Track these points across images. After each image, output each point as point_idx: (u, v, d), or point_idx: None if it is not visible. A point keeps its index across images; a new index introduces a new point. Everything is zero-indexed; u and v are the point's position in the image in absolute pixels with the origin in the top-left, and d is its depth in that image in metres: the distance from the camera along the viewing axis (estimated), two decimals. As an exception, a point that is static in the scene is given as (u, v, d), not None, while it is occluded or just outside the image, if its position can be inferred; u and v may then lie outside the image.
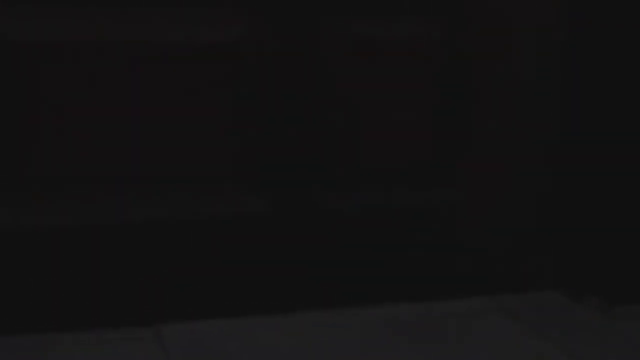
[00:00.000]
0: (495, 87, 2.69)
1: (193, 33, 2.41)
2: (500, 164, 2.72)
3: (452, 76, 2.67)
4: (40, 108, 2.31)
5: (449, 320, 2.53)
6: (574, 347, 2.36)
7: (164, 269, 2.46)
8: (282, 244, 2.56)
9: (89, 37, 2.32)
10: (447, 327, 2.48)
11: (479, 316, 2.57)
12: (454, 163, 2.70)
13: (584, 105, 2.69)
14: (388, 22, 2.59)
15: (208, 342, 2.34)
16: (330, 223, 2.60)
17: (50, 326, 2.38)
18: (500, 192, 2.73)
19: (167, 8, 2.38)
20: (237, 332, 2.42)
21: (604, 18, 2.60)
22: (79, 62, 2.31)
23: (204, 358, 2.23)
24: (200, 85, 2.45)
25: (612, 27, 2.59)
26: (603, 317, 2.60)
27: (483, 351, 2.31)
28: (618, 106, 2.63)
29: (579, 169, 2.72)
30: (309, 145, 2.55)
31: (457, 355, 2.28)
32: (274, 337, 2.39)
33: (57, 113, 2.33)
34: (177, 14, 2.39)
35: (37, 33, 2.28)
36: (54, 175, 2.35)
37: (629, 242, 2.68)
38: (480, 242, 2.73)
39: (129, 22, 2.35)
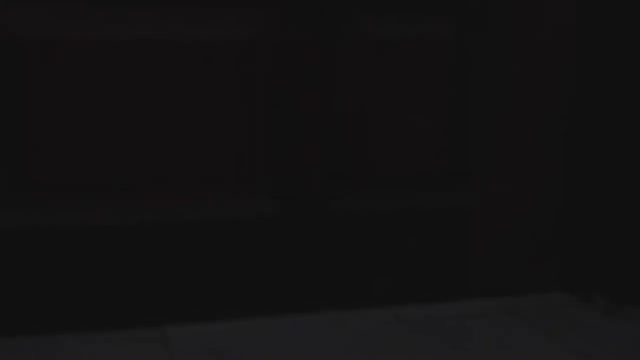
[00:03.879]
0: (511, 92, 2.68)
1: (207, 32, 2.40)
2: (512, 168, 2.71)
3: (469, 80, 2.65)
4: (46, 107, 2.29)
5: (458, 321, 2.53)
6: (582, 348, 2.35)
7: (172, 270, 2.45)
8: (293, 246, 2.56)
9: (98, 36, 2.30)
10: (455, 327, 2.48)
11: (488, 317, 2.57)
12: (467, 167, 2.69)
13: (592, 111, 2.69)
14: (405, 24, 2.57)
15: (213, 343, 2.33)
16: (342, 226, 2.59)
17: (59, 327, 2.37)
18: (512, 197, 2.73)
19: (182, 6, 2.36)
20: (243, 333, 2.41)
21: (616, 18, 2.60)
22: (85, 62, 2.30)
23: (209, 359, 2.22)
24: (212, 87, 2.43)
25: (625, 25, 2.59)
26: (610, 318, 2.59)
27: (491, 351, 2.31)
28: (621, 112, 2.63)
29: (588, 173, 2.72)
30: (323, 148, 2.54)
31: (465, 354, 2.28)
32: (281, 337, 2.38)
33: (64, 112, 2.32)
34: (191, 13, 2.37)
35: (47, 32, 2.26)
36: (61, 177, 2.34)
37: (637, 244, 2.67)
38: (490, 245, 2.73)
39: (140, 22, 2.33)
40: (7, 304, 2.33)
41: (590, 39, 2.69)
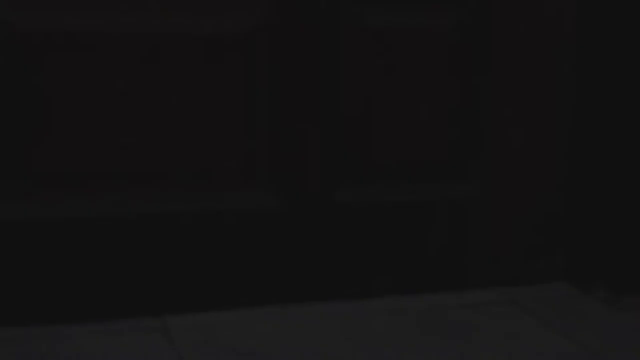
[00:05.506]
0: (511, 80, 2.68)
1: (208, 27, 2.41)
2: (513, 159, 2.71)
3: (469, 69, 2.65)
4: (46, 100, 2.31)
5: (460, 312, 2.53)
6: (582, 338, 2.35)
7: (173, 261, 2.46)
8: (292, 238, 2.56)
9: (96, 30, 2.31)
10: (457, 318, 2.48)
11: (488, 308, 2.57)
12: (468, 159, 2.69)
13: (594, 106, 2.69)
14: (403, 12, 2.58)
15: (215, 333, 2.34)
16: (343, 217, 2.59)
17: (58, 317, 2.38)
18: (512, 186, 2.72)
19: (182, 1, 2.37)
20: (245, 323, 2.42)
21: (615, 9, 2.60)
22: (85, 55, 2.31)
23: (211, 350, 2.23)
24: (211, 79, 2.44)
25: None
26: (611, 308, 2.59)
27: (492, 342, 2.31)
28: (624, 106, 2.63)
29: (590, 164, 2.72)
30: (324, 141, 2.54)
31: (467, 345, 2.28)
32: (284, 328, 2.39)
33: (62, 106, 2.33)
34: (191, 8, 2.38)
35: (49, 25, 2.28)
36: (63, 168, 2.35)
37: (636, 236, 2.67)
38: (490, 235, 2.73)
39: (133, 13, 2.35)
40: (7, 294, 2.35)
41: (591, 32, 2.68)
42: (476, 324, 2.44)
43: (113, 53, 2.34)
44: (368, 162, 2.60)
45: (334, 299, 2.62)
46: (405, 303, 2.61)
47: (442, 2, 2.61)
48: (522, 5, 2.67)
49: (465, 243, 2.71)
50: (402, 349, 2.26)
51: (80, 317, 2.40)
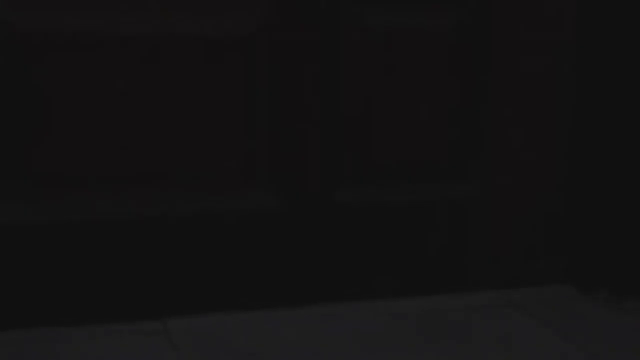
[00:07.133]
0: (511, 80, 2.68)
1: (208, 28, 2.40)
2: (513, 159, 2.71)
3: (469, 69, 2.65)
4: (45, 101, 2.30)
5: (458, 313, 2.53)
6: (583, 339, 2.35)
7: (174, 262, 2.46)
8: (292, 238, 2.56)
9: (87, 28, 2.30)
10: (457, 319, 2.48)
11: (488, 310, 2.57)
12: (468, 159, 2.69)
13: (593, 101, 2.69)
14: (403, 12, 2.57)
15: (217, 335, 2.34)
16: (343, 218, 2.59)
17: (59, 319, 2.38)
18: (512, 186, 2.72)
19: (182, 2, 2.37)
20: (246, 325, 2.42)
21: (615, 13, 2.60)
22: (75, 56, 2.30)
23: (212, 352, 2.23)
24: (211, 79, 2.43)
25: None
26: (613, 311, 2.59)
27: (492, 343, 2.31)
28: (625, 106, 2.63)
29: (590, 160, 2.71)
30: (324, 141, 2.54)
31: (467, 345, 2.28)
32: (284, 330, 2.38)
33: (62, 107, 2.32)
34: (192, 8, 2.38)
35: (41, 22, 2.27)
36: (63, 170, 2.34)
37: (638, 238, 2.67)
38: (490, 235, 2.73)
39: (133, 13, 2.34)
40: (6, 296, 2.34)
41: (591, 32, 2.68)
42: (476, 325, 2.44)
43: (113, 53, 2.34)
44: (368, 162, 2.60)
45: (334, 299, 2.62)
46: (405, 303, 2.61)
47: (442, 2, 2.61)
48: (522, 5, 2.67)
49: (465, 243, 2.71)
50: (402, 350, 2.26)
51: (81, 319, 2.40)
